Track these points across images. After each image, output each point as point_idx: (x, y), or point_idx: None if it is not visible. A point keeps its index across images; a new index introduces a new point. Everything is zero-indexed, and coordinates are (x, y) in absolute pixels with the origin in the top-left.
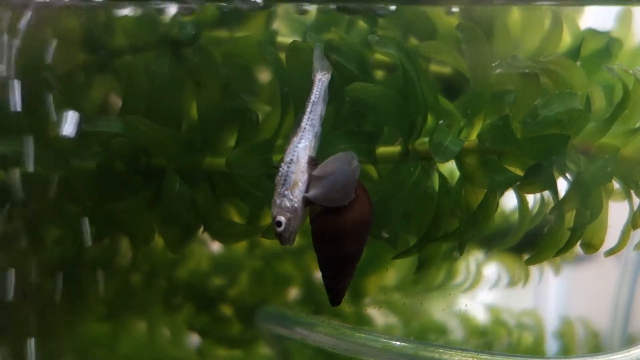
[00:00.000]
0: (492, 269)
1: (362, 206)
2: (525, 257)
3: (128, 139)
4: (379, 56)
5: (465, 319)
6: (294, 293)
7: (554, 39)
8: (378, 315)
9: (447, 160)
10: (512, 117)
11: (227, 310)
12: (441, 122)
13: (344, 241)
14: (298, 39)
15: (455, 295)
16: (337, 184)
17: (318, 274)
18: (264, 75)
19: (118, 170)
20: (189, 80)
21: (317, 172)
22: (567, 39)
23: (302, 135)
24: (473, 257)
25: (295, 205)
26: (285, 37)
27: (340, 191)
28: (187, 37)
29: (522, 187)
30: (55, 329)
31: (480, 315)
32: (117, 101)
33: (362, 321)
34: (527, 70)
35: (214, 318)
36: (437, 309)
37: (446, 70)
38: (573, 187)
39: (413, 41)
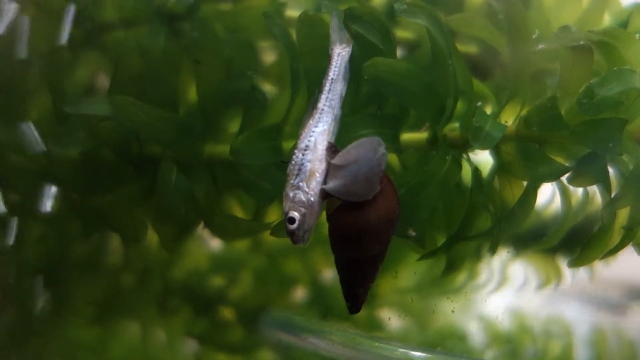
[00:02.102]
0: (517, 269)
1: (388, 201)
2: (558, 257)
3: (117, 123)
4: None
5: (487, 324)
6: (300, 294)
7: (595, 13)
8: (392, 319)
9: (488, 147)
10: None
11: (227, 313)
12: (479, 103)
13: (366, 241)
14: (310, 9)
15: (477, 298)
16: (360, 175)
17: (327, 273)
18: (272, 52)
19: (106, 158)
20: (187, 57)
21: (337, 160)
22: (604, 17)
23: (319, 117)
24: (497, 257)
25: (312, 198)
26: (296, 11)
27: (364, 183)
28: (184, 9)
29: (573, 179)
30: (40, 332)
31: (503, 320)
32: (105, 82)
33: (374, 326)
34: (582, 43)
35: (214, 322)
36: (456, 313)
37: (471, 49)
38: (629, 180)
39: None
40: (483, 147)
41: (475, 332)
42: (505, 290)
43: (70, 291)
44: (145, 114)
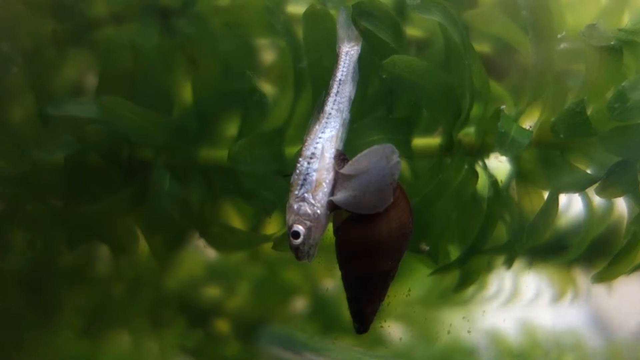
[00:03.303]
0: (530, 281)
1: (401, 213)
2: (575, 269)
3: (105, 125)
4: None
5: (496, 338)
6: (300, 305)
7: (615, 11)
8: (396, 332)
9: (513, 154)
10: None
11: (223, 326)
12: (503, 106)
13: (377, 257)
14: (316, 4)
15: (486, 311)
16: (371, 186)
17: (329, 283)
18: (273, 50)
19: (93, 164)
20: (182, 55)
21: (346, 170)
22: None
23: (326, 122)
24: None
25: (318, 211)
26: (299, 7)
27: (375, 195)
28: (179, 4)
29: (602, 190)
30: (26, 344)
31: (514, 335)
32: (94, 82)
33: (378, 340)
34: (612, 43)
35: (208, 335)
36: (465, 326)
37: (484, 48)
38: None
39: None
40: (508, 154)
41: (484, 347)
42: (516, 303)
43: (58, 302)
44: (136, 116)
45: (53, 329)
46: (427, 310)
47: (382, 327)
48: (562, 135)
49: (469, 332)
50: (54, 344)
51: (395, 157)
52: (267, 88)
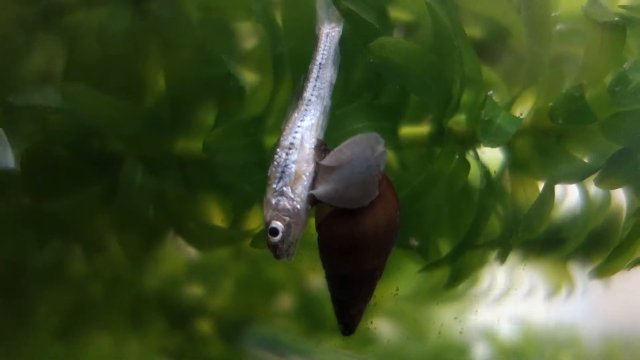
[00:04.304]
0: (523, 276)
1: (388, 207)
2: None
3: (71, 115)
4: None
5: (490, 335)
6: (286, 303)
7: None
8: (386, 330)
9: (499, 144)
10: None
11: (205, 326)
12: (490, 92)
13: (362, 254)
14: None
15: (479, 307)
16: (354, 178)
17: (315, 280)
18: (251, 35)
19: (59, 156)
20: (154, 40)
21: (327, 161)
22: None
23: (306, 110)
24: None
25: (298, 206)
26: None
27: (359, 188)
28: None
29: (602, 180)
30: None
31: (508, 332)
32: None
33: (367, 339)
34: (616, 19)
35: (190, 336)
36: (457, 323)
37: (475, 31)
38: None
39: None
40: (493, 145)
41: (477, 344)
42: (510, 298)
43: (32, 303)
44: (103, 105)
45: (28, 332)
46: (417, 307)
47: (368, 327)
48: (560, 122)
49: (460, 332)
50: (29, 347)
51: (381, 147)
52: (246, 75)
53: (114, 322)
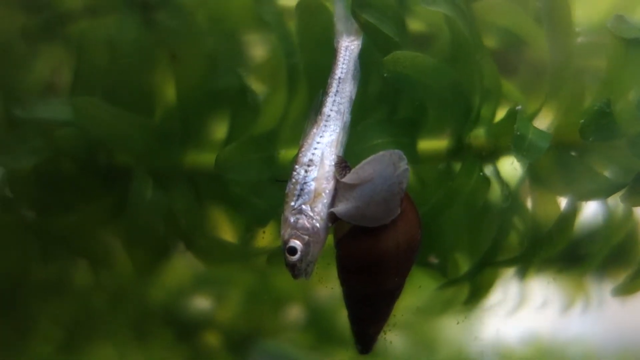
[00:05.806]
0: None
1: (409, 225)
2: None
3: (79, 129)
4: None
5: (500, 348)
6: (295, 314)
7: (629, 6)
8: (398, 343)
9: (532, 159)
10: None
11: (212, 339)
12: (519, 107)
13: (383, 273)
14: None
15: (492, 320)
16: (376, 196)
17: (323, 292)
18: (263, 45)
19: (67, 171)
20: (163, 51)
21: (348, 178)
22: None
23: (325, 125)
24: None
25: (317, 224)
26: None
27: (381, 205)
28: None
29: (628, 197)
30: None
31: (520, 345)
32: (68, 80)
33: (376, 352)
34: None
35: (197, 349)
36: (466, 335)
37: (490, 42)
38: None
39: None
40: (527, 160)
41: (487, 356)
42: (524, 312)
43: (35, 315)
44: (113, 118)
45: (32, 343)
46: (429, 319)
47: (385, 339)
48: (591, 139)
49: (474, 341)
50: (33, 358)
51: (404, 164)
52: (258, 87)
53: (119, 335)
